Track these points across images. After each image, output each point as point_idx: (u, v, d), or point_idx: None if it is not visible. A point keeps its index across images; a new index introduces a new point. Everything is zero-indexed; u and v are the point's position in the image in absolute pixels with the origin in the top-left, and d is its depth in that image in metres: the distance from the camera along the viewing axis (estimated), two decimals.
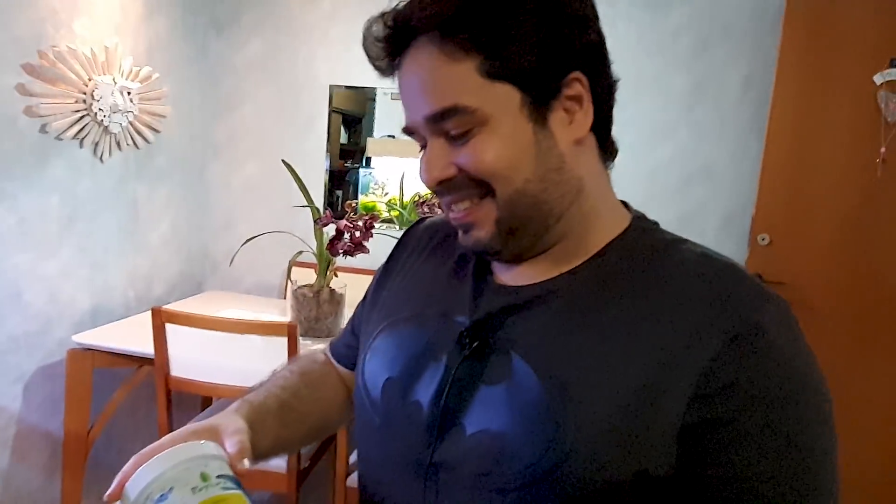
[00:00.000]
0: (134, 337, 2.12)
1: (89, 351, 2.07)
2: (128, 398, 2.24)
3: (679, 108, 2.60)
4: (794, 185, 2.43)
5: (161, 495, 0.52)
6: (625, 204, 0.71)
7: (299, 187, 2.24)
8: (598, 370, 0.58)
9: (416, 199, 2.64)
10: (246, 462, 0.59)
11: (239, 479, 0.56)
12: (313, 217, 2.19)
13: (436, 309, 0.72)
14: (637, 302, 0.60)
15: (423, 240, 0.82)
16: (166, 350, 1.90)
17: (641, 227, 0.68)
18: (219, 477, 0.54)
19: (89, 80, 2.15)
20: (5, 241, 1.99)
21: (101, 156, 2.31)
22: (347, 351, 0.89)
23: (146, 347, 1.95)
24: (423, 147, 0.65)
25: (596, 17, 0.64)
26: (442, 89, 0.60)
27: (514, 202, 0.62)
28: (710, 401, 0.54)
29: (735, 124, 2.57)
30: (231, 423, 0.64)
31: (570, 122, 0.62)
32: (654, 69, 2.59)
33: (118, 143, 2.36)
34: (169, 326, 1.88)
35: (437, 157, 0.63)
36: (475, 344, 0.65)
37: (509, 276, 0.69)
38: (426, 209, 2.40)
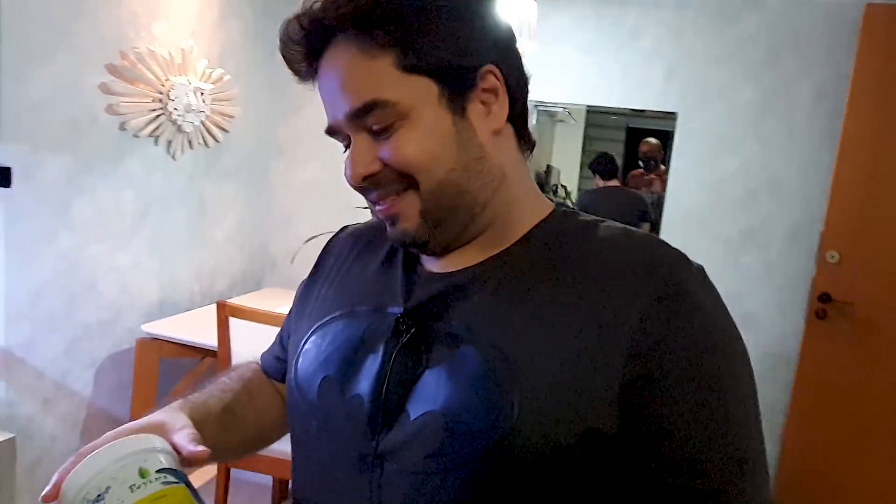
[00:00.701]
0: (198, 329, 2.20)
1: (156, 341, 2.17)
2: (190, 388, 2.31)
3: (747, 119, 2.53)
4: (866, 201, 2.34)
5: (98, 495, 0.50)
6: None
7: None
8: (538, 340, 0.60)
9: None
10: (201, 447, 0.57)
11: (183, 472, 0.54)
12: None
13: (368, 304, 0.71)
14: (568, 274, 0.63)
15: (346, 246, 0.82)
16: (229, 343, 1.96)
17: (564, 211, 0.71)
18: (158, 472, 0.52)
19: (166, 80, 2.25)
20: (84, 233, 2.10)
21: (174, 154, 2.40)
22: (277, 363, 0.87)
23: (209, 340, 2.03)
24: (347, 147, 0.65)
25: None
26: (361, 85, 0.61)
27: (437, 193, 0.63)
28: (643, 358, 0.57)
29: (805, 136, 2.49)
30: (177, 419, 0.63)
31: (487, 114, 0.64)
32: (721, 79, 2.54)
33: (190, 142, 2.45)
34: (230, 320, 1.94)
35: (360, 153, 0.63)
36: (413, 330, 0.65)
37: (439, 264, 0.69)
38: None
